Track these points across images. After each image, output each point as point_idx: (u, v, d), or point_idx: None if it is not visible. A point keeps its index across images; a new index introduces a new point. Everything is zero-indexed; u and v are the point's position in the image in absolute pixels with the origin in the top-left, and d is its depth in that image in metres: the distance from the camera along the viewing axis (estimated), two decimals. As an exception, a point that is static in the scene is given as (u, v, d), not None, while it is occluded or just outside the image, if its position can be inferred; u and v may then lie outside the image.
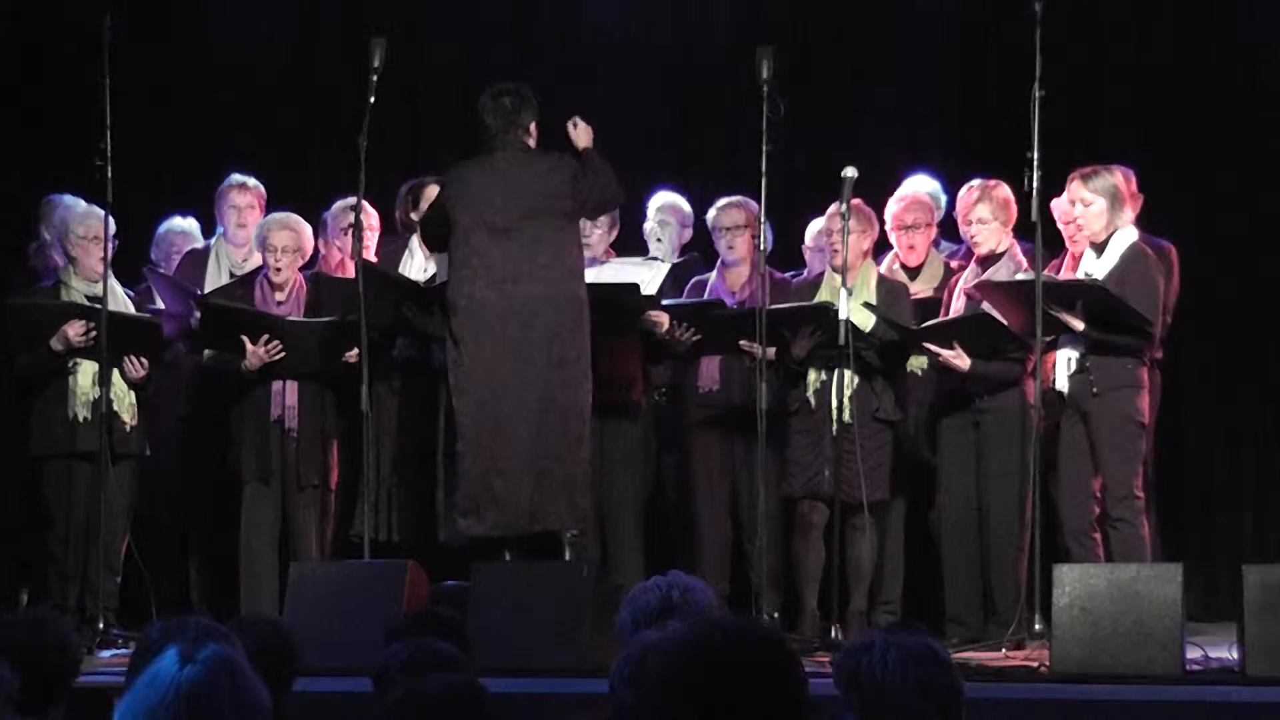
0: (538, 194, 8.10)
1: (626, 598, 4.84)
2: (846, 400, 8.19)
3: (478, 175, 8.17)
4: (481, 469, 7.97)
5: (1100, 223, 8.02)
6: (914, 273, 8.72)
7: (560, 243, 8.12)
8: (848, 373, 8.20)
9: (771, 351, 8.29)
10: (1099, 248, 8.05)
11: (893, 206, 8.64)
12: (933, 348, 8.22)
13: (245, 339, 8.44)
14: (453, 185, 8.21)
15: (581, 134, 8.21)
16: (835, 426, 8.09)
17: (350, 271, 8.51)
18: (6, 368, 8.65)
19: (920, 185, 9.13)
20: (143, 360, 8.52)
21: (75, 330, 8.36)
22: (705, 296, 8.71)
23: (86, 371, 8.46)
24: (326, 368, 8.51)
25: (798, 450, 8.42)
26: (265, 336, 8.43)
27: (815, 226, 8.75)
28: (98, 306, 8.37)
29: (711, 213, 8.81)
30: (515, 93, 8.21)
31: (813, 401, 8.38)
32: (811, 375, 8.38)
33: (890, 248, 8.74)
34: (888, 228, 8.63)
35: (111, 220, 8.36)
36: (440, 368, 8.46)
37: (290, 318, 8.58)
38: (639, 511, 8.79)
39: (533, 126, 8.22)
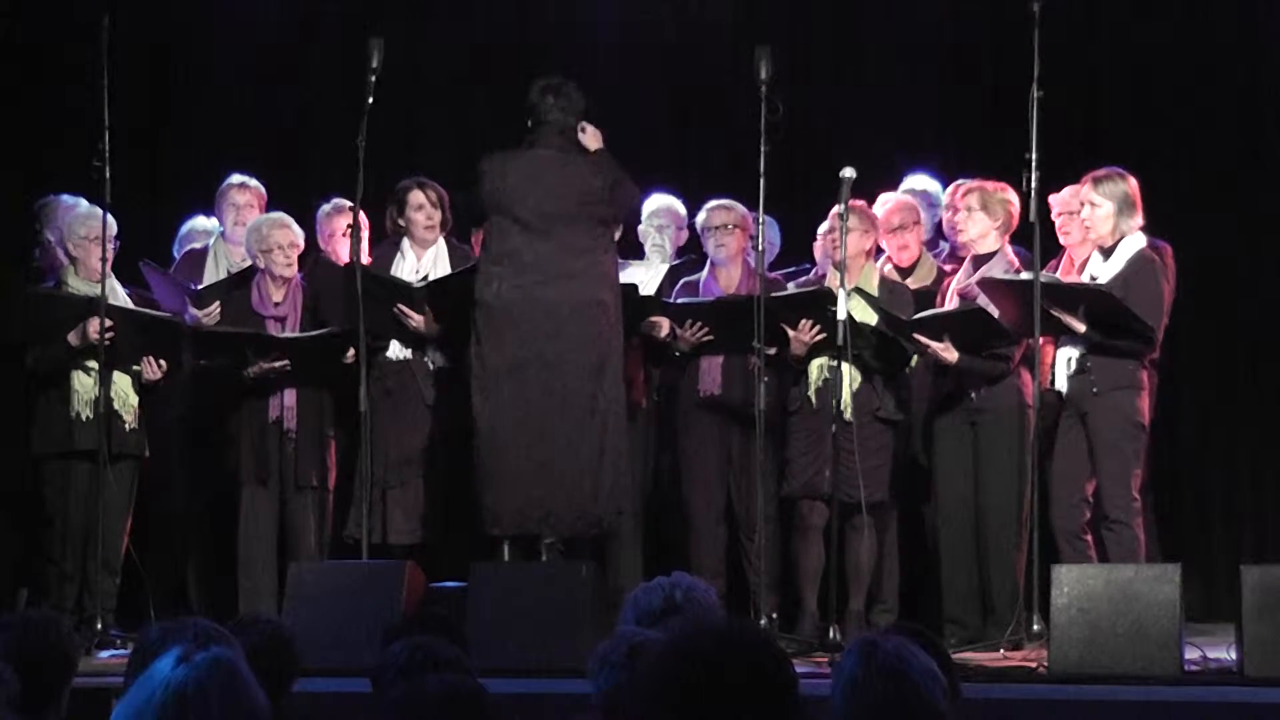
0: (577, 196, 8.07)
1: (629, 597, 4.86)
2: (848, 399, 8.20)
3: (517, 170, 8.12)
4: (499, 469, 7.95)
5: (1106, 227, 8.04)
6: (906, 273, 8.76)
7: (594, 248, 8.09)
8: (850, 371, 8.21)
9: (772, 350, 8.30)
10: (1106, 252, 8.06)
11: (878, 212, 8.66)
12: (922, 339, 8.23)
13: (249, 351, 8.47)
14: (490, 178, 8.15)
15: (590, 138, 8.21)
16: (836, 425, 8.09)
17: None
18: (17, 359, 8.61)
19: (919, 185, 9.17)
20: (161, 362, 8.52)
21: (96, 327, 8.33)
22: (699, 296, 8.71)
23: (90, 370, 8.46)
24: (328, 373, 8.51)
25: (797, 450, 8.43)
26: (273, 355, 8.45)
27: (823, 228, 8.76)
28: (120, 304, 8.40)
29: (700, 215, 8.83)
30: (565, 93, 8.18)
31: (814, 400, 8.38)
32: (814, 373, 8.39)
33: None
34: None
35: (112, 221, 8.37)
36: (434, 369, 8.49)
37: (287, 334, 8.58)
38: (638, 512, 8.79)
39: (578, 128, 8.21)
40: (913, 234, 8.77)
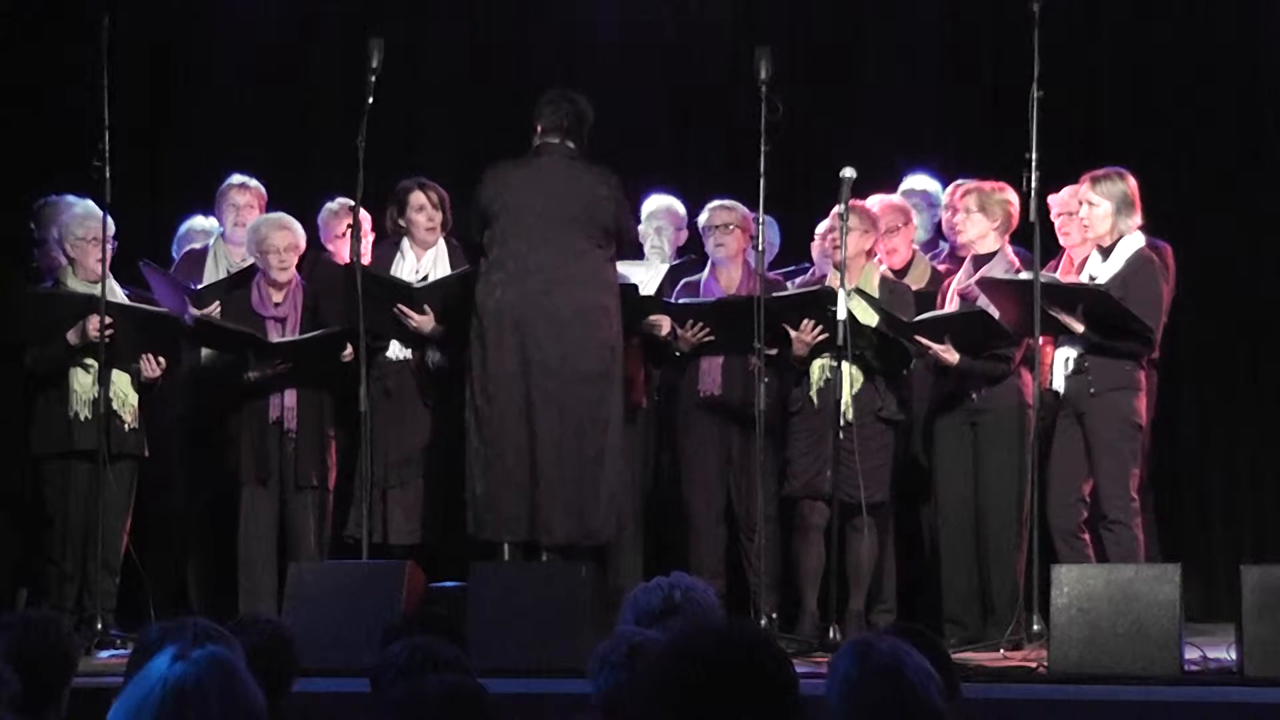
0: (580, 202, 8.06)
1: (628, 598, 4.86)
2: (849, 399, 8.20)
3: (520, 177, 8.13)
4: (497, 475, 7.95)
5: (1105, 226, 8.04)
6: (899, 275, 8.76)
7: (596, 256, 8.07)
8: (852, 371, 8.22)
9: (773, 351, 8.30)
10: (1105, 251, 8.07)
11: None
12: (924, 340, 8.24)
13: (250, 355, 8.48)
14: (493, 185, 8.14)
15: None
16: (838, 426, 8.09)
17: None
18: (16, 359, 8.61)
19: (918, 185, 9.17)
20: (160, 360, 8.51)
21: (96, 324, 8.32)
22: (700, 296, 8.71)
23: (89, 369, 8.45)
24: (328, 373, 8.52)
25: (798, 450, 8.43)
26: (274, 360, 8.45)
27: (822, 227, 8.77)
28: (121, 302, 8.40)
29: (702, 215, 8.84)
30: (574, 103, 8.19)
31: (815, 401, 8.38)
32: (815, 373, 8.39)
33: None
34: None
35: (111, 221, 8.36)
36: (433, 369, 8.49)
37: (286, 338, 8.57)
38: (638, 512, 8.79)
39: (584, 138, 8.21)
40: (901, 237, 8.75)
